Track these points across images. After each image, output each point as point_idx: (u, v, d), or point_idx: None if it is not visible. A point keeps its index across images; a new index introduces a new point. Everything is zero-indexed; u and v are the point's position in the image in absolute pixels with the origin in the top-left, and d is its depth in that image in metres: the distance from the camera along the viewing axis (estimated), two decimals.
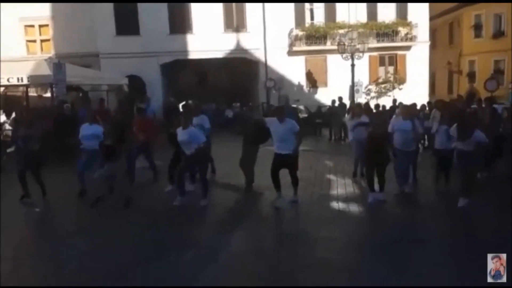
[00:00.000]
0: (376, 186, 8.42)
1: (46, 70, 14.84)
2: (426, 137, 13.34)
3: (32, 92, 20.56)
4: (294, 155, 8.09)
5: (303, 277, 5.27)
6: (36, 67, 15.61)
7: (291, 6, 25.66)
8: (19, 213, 8.18)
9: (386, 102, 21.80)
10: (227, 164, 10.93)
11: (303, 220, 7.59)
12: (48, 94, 17.16)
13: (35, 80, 15.33)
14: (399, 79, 26.08)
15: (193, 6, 25.31)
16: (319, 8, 26.09)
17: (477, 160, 7.93)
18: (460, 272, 5.21)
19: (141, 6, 24.90)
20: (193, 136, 7.93)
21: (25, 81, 14.96)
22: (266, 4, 25.27)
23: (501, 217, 7.28)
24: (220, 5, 25.40)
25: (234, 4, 25.66)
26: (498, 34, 29.33)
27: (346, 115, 18.74)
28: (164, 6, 25.09)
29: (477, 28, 30.80)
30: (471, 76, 31.17)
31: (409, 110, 9.43)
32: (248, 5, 25.54)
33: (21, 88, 18.64)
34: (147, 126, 10.13)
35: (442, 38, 33.40)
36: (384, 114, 13.47)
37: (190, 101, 18.86)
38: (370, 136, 8.45)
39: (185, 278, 5.22)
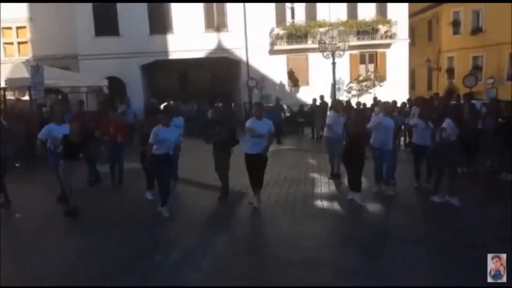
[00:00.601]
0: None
1: (24, 73, 14.57)
2: (407, 133, 13.49)
3: (10, 95, 20.21)
4: (264, 155, 8.00)
5: (289, 275, 5.25)
6: (14, 70, 15.32)
7: (271, 5, 25.67)
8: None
9: (367, 99, 21.98)
10: (209, 164, 10.86)
11: (288, 218, 7.57)
12: (26, 97, 16.87)
13: (12, 83, 15.05)
14: (380, 77, 26.31)
15: (173, 6, 25.14)
16: (300, 7, 26.16)
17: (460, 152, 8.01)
18: (455, 272, 5.23)
19: (120, 6, 24.63)
20: (177, 135, 7.98)
21: (3, 84, 14.68)
22: (246, 3, 25.23)
23: (484, 211, 7.39)
24: (200, 5, 25.27)
25: (214, 3, 25.57)
26: (476, 30, 29.76)
27: (328, 112, 18.91)
28: (143, 6, 24.87)
29: (456, 24, 31.21)
30: (450, 72, 31.59)
31: (390, 107, 9.39)
32: (228, 5, 25.47)
33: None
34: (121, 128, 9.89)
35: (421, 35, 33.77)
36: (364, 112, 13.52)
37: (171, 102, 18.78)
38: (350, 135, 8.35)
39: (174, 279, 5.20)
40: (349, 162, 8.38)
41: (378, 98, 18.91)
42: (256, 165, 8.02)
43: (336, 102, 11.67)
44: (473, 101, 12.43)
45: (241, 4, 25.25)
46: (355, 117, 8.96)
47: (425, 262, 5.52)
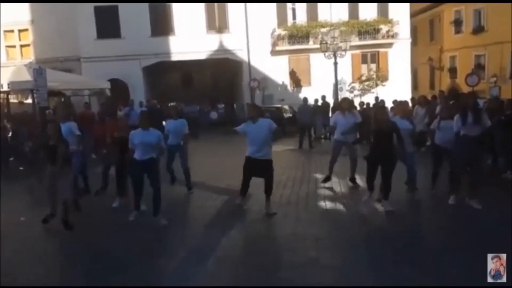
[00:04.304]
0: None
1: (27, 76, 14.64)
2: None
3: (13, 99, 20.30)
4: (264, 158, 7.41)
5: (292, 276, 5.25)
6: (16, 73, 15.41)
7: (273, 5, 25.70)
8: None
9: (369, 99, 21.97)
10: (214, 166, 10.89)
11: (291, 219, 7.57)
12: (29, 100, 16.93)
13: (15, 86, 15.13)
14: (382, 76, 26.29)
15: (175, 7, 25.20)
16: (301, 7, 26.17)
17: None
18: (455, 272, 5.21)
19: (122, 8, 24.71)
20: (152, 138, 7.17)
21: (5, 88, 14.75)
22: (248, 4, 25.27)
23: (486, 210, 7.36)
24: (202, 6, 25.33)
25: (216, 5, 25.62)
26: (478, 29, 29.71)
27: (330, 113, 18.89)
28: (145, 8, 24.95)
29: (457, 23, 31.17)
30: (452, 71, 31.55)
31: (405, 108, 8.63)
32: (230, 6, 25.51)
33: (1, 95, 18.38)
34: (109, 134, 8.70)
35: (423, 34, 33.73)
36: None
37: (173, 103, 18.81)
38: (376, 133, 7.50)
39: (175, 280, 5.21)
40: (369, 163, 7.64)
41: (380, 98, 18.89)
42: (260, 171, 7.51)
43: (342, 101, 10.39)
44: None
45: (242, 5, 25.28)
46: (376, 114, 7.91)
47: (425, 263, 5.51)
